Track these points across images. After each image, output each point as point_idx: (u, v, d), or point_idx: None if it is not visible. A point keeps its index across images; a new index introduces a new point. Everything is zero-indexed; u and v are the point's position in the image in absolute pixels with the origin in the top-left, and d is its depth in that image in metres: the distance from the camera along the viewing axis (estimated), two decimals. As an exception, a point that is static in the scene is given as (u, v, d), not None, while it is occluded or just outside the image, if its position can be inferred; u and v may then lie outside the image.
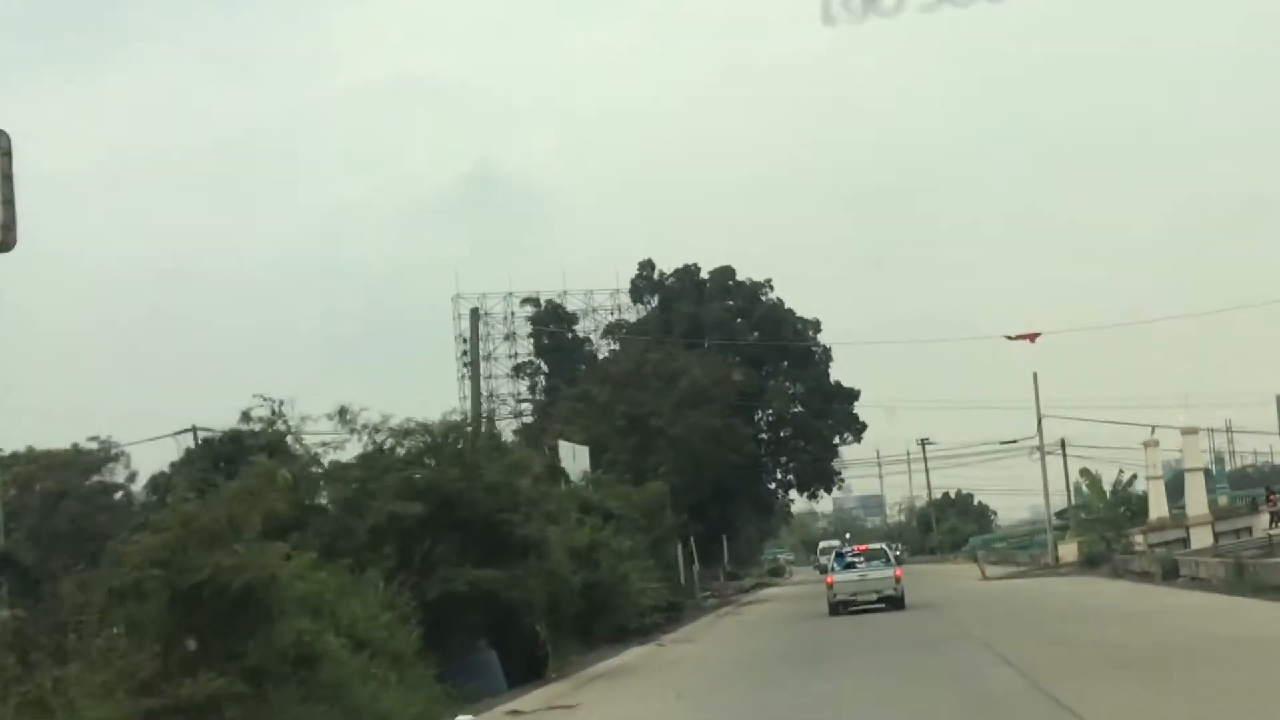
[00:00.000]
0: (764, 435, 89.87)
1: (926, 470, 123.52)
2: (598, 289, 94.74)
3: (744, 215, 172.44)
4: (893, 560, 47.63)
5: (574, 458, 48.17)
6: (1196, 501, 64.44)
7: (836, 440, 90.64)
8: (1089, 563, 64.75)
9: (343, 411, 24.98)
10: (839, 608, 43.73)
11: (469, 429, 26.52)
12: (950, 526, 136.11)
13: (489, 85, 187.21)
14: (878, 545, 53.58)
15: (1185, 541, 61.27)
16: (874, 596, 43.76)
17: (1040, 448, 74.06)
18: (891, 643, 29.69)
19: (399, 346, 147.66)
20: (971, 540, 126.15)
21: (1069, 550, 73.32)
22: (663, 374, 66.59)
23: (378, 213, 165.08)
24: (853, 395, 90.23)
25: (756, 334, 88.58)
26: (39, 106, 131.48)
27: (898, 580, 44.39)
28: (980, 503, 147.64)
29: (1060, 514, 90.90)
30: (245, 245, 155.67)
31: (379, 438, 24.98)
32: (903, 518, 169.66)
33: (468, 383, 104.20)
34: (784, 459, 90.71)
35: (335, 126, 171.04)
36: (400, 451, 24.95)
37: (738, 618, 50.93)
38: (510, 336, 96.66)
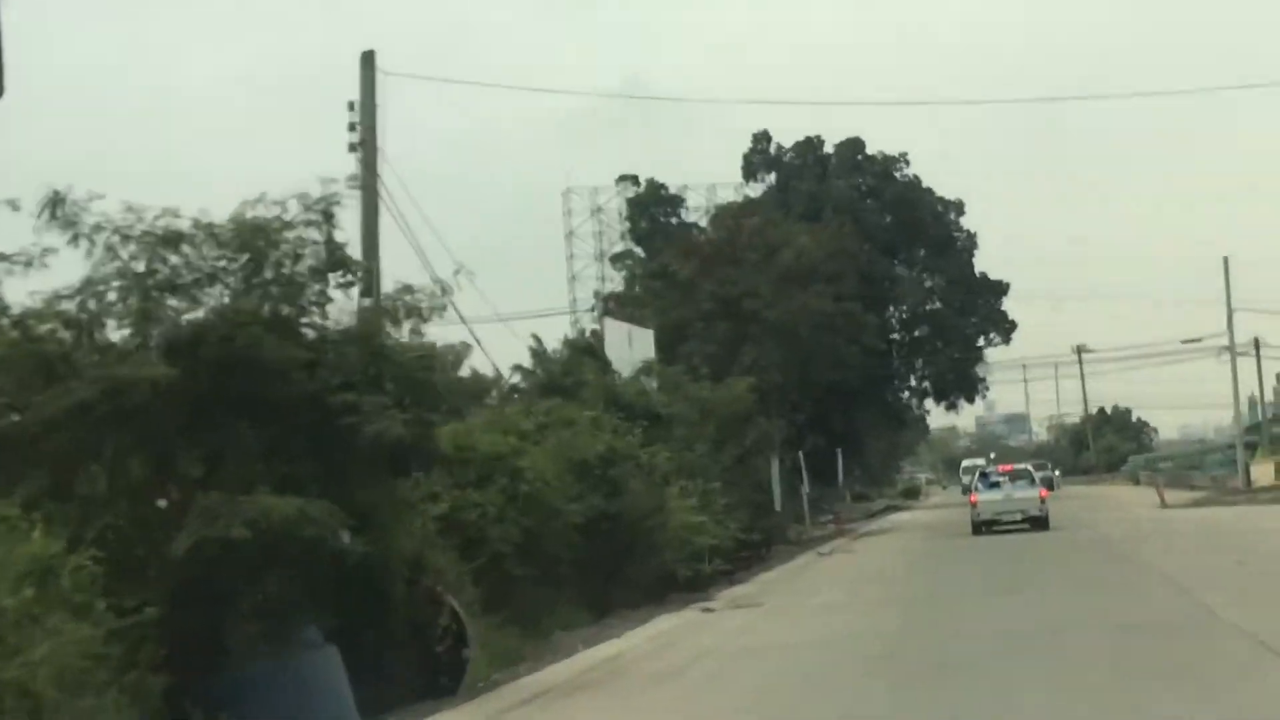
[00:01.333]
0: (895, 335, 77.15)
1: (1083, 379, 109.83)
2: (722, 183, 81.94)
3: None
4: (1037, 481, 47.31)
5: (630, 342, 36.27)
6: None
7: (981, 341, 77.54)
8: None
9: (56, 200, 13.16)
10: (982, 527, 44.33)
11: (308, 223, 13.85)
12: (1106, 445, 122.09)
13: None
14: (1022, 465, 52.98)
15: None
16: (1019, 516, 44.15)
17: (1231, 346, 60.48)
18: (1095, 644, 16.78)
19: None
20: (1131, 460, 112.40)
21: (1264, 471, 60.11)
22: (761, 245, 54.01)
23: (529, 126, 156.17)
24: (1000, 289, 77.01)
25: (889, 218, 75.69)
26: None
27: (1042, 501, 44.84)
28: (1139, 418, 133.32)
29: (1252, 429, 77.16)
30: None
31: (127, 248, 13.20)
32: (1050, 436, 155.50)
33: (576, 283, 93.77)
34: (919, 363, 77.91)
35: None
36: (164, 272, 13.18)
37: (843, 560, 38.57)
38: (623, 235, 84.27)
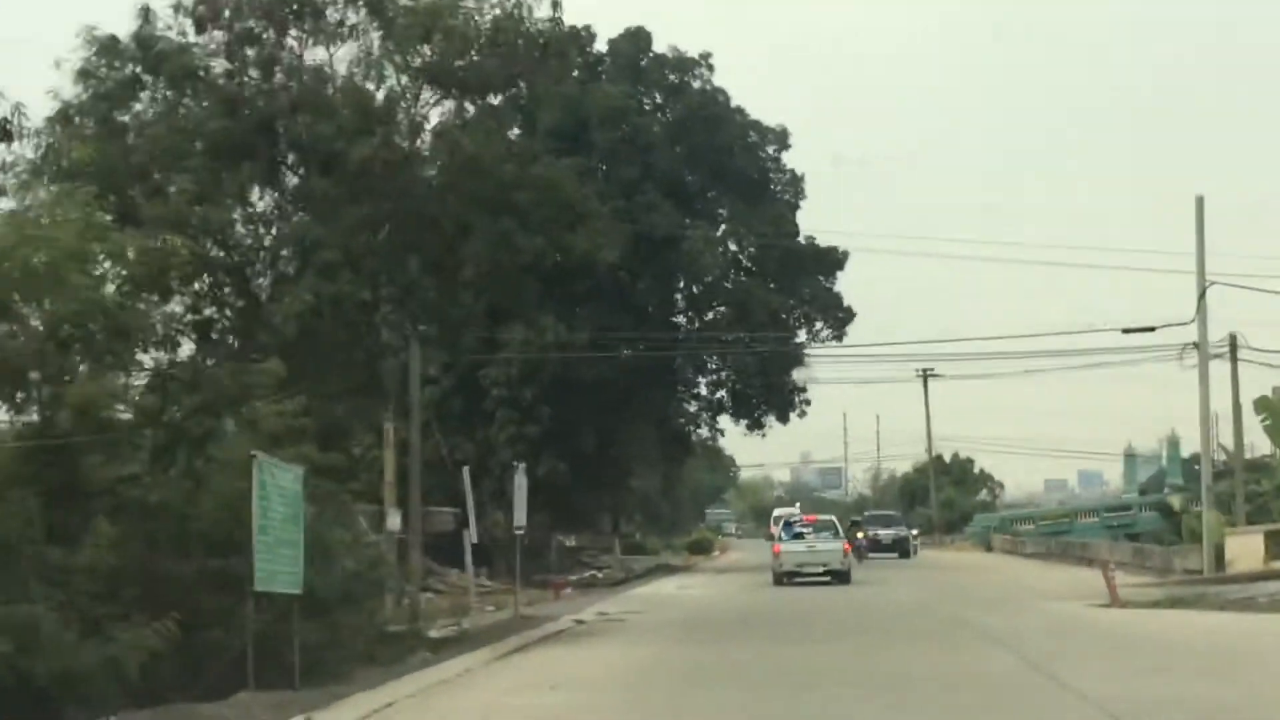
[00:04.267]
0: (682, 316, 53.35)
1: (927, 410, 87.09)
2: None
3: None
4: (841, 534, 45.46)
5: None
6: None
7: (801, 332, 54.04)
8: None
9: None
10: (784, 578, 43.12)
11: None
12: (944, 499, 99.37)
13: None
14: (826, 517, 49.50)
15: None
16: (821, 569, 43.11)
17: (1201, 342, 37.03)
18: None
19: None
20: (977, 519, 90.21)
21: (1245, 547, 37.26)
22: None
23: None
24: (833, 260, 53.68)
25: (680, 147, 51.98)
26: None
27: (845, 554, 44.04)
28: (982, 470, 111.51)
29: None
30: None
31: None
32: (868, 491, 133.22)
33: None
34: (710, 360, 54.12)
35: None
36: None
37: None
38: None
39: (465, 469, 33.71)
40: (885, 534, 61.20)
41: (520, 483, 32.72)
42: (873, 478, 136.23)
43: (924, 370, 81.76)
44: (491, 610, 32.76)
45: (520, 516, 32.54)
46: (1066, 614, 28.01)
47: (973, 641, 22.52)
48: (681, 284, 52.06)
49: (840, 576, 42.36)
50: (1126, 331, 41.86)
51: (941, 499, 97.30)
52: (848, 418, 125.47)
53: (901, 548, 59.88)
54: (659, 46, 52.91)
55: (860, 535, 57.81)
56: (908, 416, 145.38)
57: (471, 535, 32.14)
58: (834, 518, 49.50)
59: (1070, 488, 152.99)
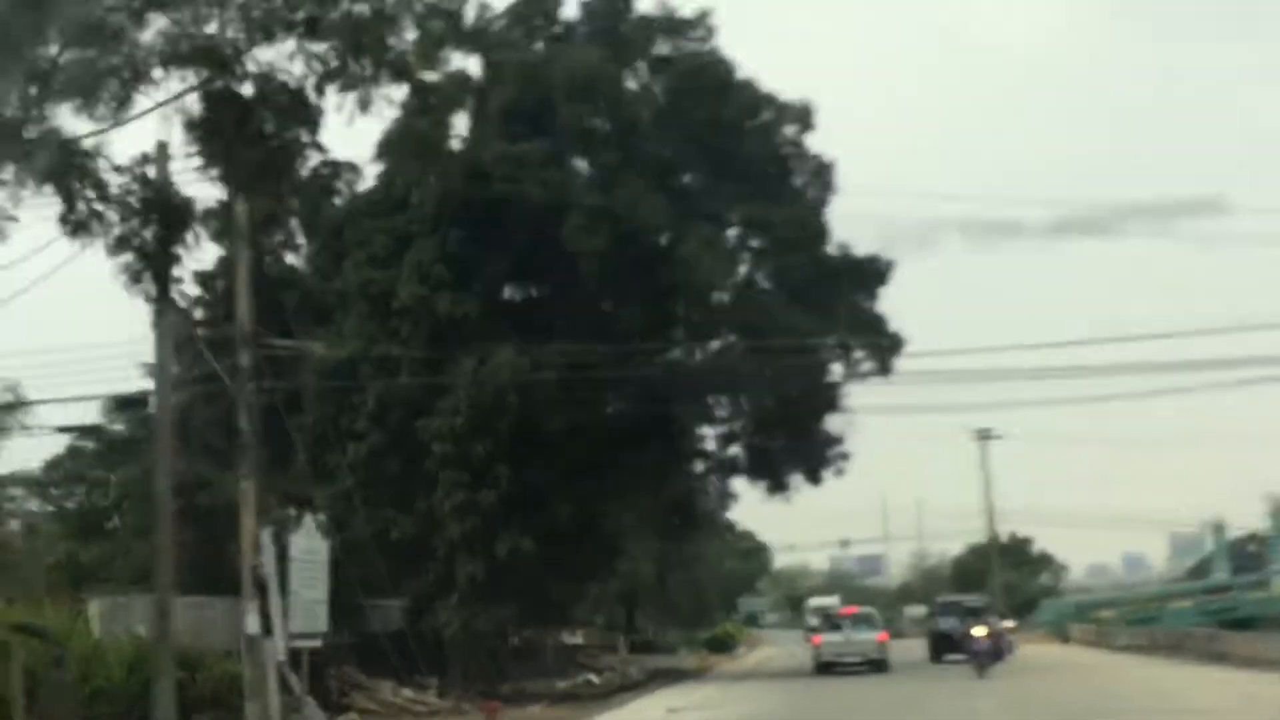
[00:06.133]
0: (677, 350, 41.21)
1: (987, 477, 74.46)
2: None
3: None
4: (878, 624, 45.87)
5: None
6: None
7: (838, 369, 41.75)
8: None
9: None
10: (824, 667, 43.44)
11: None
12: (1004, 583, 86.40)
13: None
14: (866, 609, 49.90)
15: None
16: (859, 658, 43.59)
17: None
18: None
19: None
20: (1045, 604, 77.51)
21: None
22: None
23: None
24: (875, 270, 41.60)
25: (674, 128, 40.08)
26: None
27: (881, 644, 44.37)
28: (1041, 550, 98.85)
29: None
30: None
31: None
32: (912, 576, 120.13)
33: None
34: (719, 404, 41.96)
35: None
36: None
37: None
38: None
39: (266, 531, 21.61)
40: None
41: (313, 548, 21.09)
42: (912, 566, 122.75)
43: (982, 432, 69.37)
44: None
45: (317, 615, 20.88)
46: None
47: None
48: (679, 305, 39.99)
49: (878, 665, 43.36)
50: None
51: (996, 584, 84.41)
52: (886, 493, 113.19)
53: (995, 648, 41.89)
54: (645, 6, 41.34)
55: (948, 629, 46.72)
56: (955, 486, 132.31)
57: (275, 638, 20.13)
58: (873, 609, 50.34)
59: (1112, 572, 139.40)
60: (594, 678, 49.54)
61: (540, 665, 50.37)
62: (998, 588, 74.49)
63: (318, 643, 27.47)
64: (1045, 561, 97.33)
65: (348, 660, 36.68)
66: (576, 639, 60.31)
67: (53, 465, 44.14)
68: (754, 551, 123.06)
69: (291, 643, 26.46)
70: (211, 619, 29.78)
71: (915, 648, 57.64)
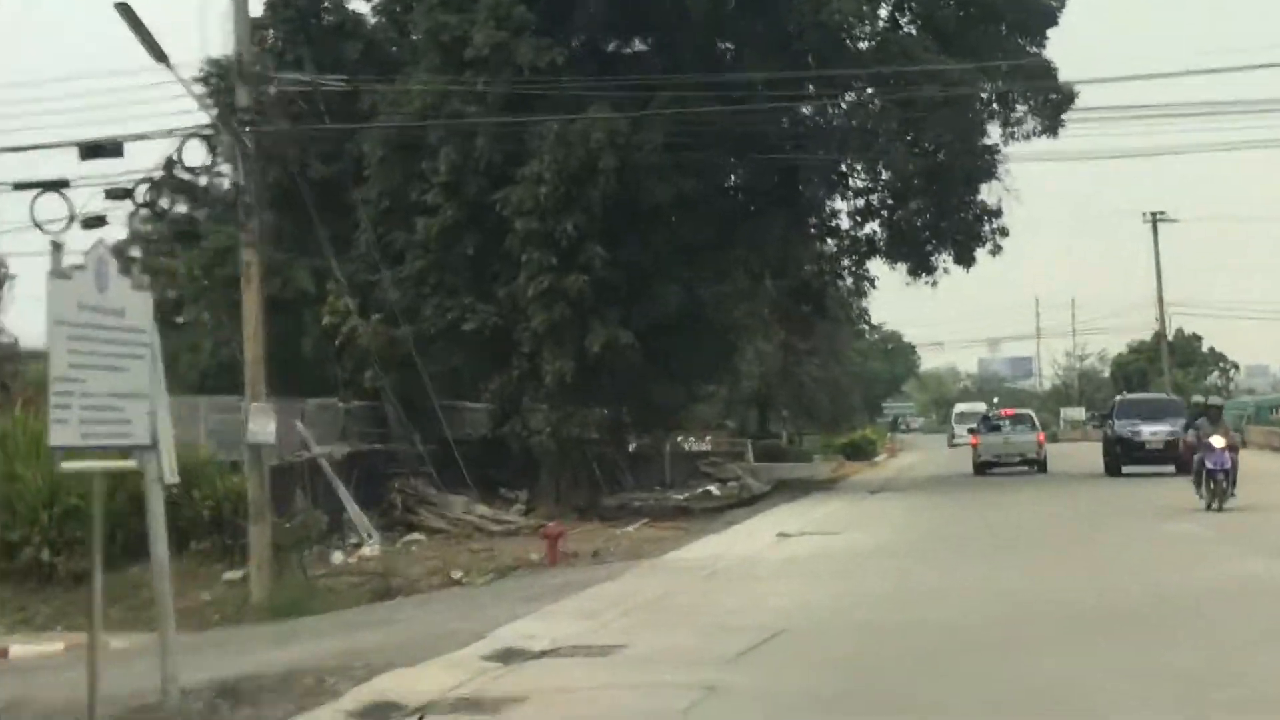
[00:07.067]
0: (805, 109, 34.84)
1: (1158, 266, 67.30)
2: None
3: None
4: (1037, 426, 47.75)
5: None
6: None
7: (993, 126, 35.11)
8: None
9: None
10: (983, 467, 45.26)
11: None
12: (1173, 383, 79.46)
13: None
14: (1024, 411, 52.97)
15: None
16: (1018, 459, 45.13)
17: None
18: None
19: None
20: (1230, 405, 70.25)
21: None
22: None
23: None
24: (1044, 10, 34.66)
25: None
26: None
27: (1040, 444, 46.08)
28: (1211, 348, 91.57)
29: None
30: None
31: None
32: (1063, 379, 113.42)
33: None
34: (856, 174, 35.77)
35: None
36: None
37: None
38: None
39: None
40: (1150, 432, 39.15)
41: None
42: (1064, 368, 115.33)
43: (1153, 215, 62.09)
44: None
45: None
46: None
47: None
48: (808, 53, 33.53)
49: (1037, 465, 45.02)
50: None
51: (1159, 386, 77.54)
52: (1037, 288, 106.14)
53: (1173, 453, 36.33)
54: None
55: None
56: (1112, 280, 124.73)
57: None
58: (1031, 411, 52.72)
59: (1275, 373, 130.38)
60: (715, 489, 44.75)
61: (658, 475, 45.61)
62: (1167, 388, 67.81)
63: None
64: (1215, 360, 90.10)
65: (421, 471, 31.89)
66: (704, 445, 55.46)
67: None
68: (899, 352, 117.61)
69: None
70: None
71: (1076, 454, 51.63)
